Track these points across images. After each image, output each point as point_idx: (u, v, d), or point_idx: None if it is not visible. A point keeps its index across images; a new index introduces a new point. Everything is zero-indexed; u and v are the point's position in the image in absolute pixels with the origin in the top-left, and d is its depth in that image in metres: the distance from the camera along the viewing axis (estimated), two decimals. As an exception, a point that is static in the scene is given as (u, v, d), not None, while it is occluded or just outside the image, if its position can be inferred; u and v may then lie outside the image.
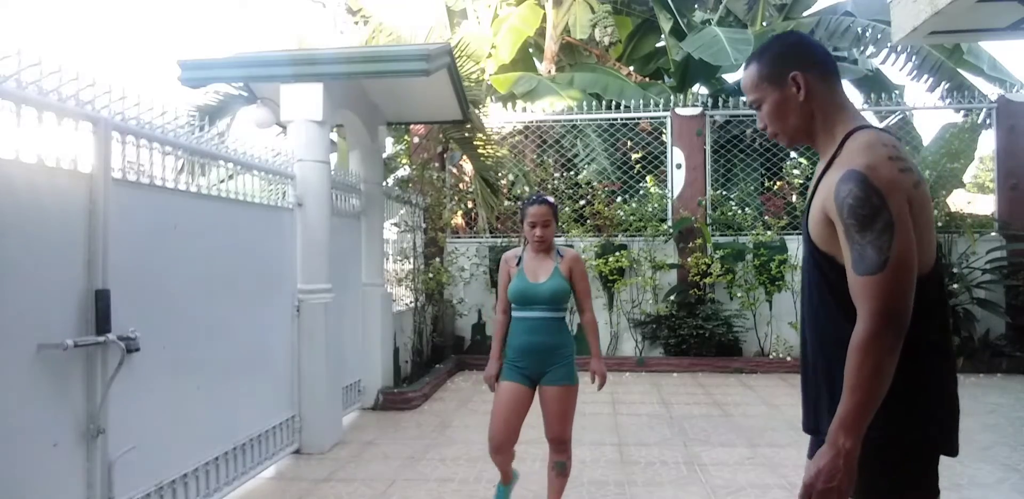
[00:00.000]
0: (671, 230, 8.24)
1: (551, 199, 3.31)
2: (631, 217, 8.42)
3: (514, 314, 3.27)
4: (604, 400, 6.27)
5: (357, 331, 5.97)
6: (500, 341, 3.38)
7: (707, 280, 7.98)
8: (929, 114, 32.68)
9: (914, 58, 9.74)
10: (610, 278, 8.16)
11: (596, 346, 3.34)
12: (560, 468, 3.28)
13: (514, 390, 3.19)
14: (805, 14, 11.68)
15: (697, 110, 8.57)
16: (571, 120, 9.16)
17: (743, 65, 1.74)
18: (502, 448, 3.25)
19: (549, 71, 10.51)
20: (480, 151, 7.96)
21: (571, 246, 8.30)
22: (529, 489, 3.91)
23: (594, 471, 4.27)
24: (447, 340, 8.26)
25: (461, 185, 9.32)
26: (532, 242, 3.26)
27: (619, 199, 9.15)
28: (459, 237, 9.05)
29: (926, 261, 1.47)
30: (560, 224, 8.47)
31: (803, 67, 1.62)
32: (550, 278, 3.21)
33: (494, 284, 8.41)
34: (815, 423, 1.67)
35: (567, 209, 8.63)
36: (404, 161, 9.90)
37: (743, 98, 8.71)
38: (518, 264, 3.31)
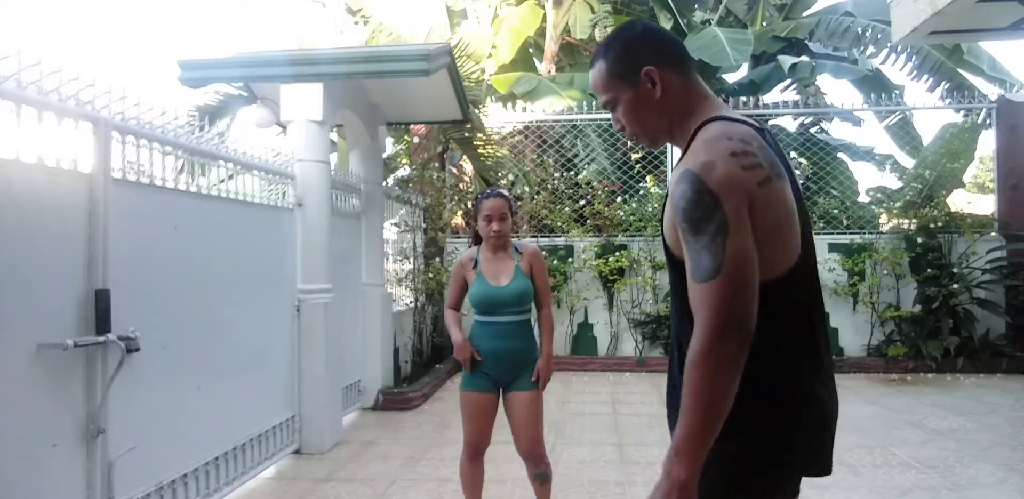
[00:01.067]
0: (671, 230, 8.22)
1: (506, 192, 3.17)
2: (631, 217, 8.42)
3: (479, 318, 3.12)
4: (604, 400, 6.27)
5: (357, 331, 5.97)
6: (457, 323, 3.24)
7: (707, 280, 7.96)
8: (929, 114, 32.71)
9: (914, 58, 9.74)
10: (610, 278, 8.16)
11: (549, 344, 3.14)
12: (542, 478, 3.13)
13: (482, 399, 3.07)
14: (805, 14, 11.68)
15: (697, 110, 8.55)
16: (571, 120, 9.16)
17: (590, 62, 1.61)
18: (481, 450, 3.16)
19: (549, 71, 10.51)
20: (480, 151, 7.96)
21: (569, 246, 8.29)
22: (529, 489, 3.91)
23: (594, 471, 4.27)
24: (447, 340, 8.22)
25: (461, 185, 9.32)
26: (488, 238, 3.09)
27: (619, 199, 9.15)
28: (459, 237, 9.05)
29: (781, 262, 1.35)
30: (560, 224, 8.47)
31: (656, 60, 1.48)
32: (513, 279, 3.05)
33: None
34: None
35: (567, 209, 8.63)
36: (404, 161, 9.90)
37: (743, 98, 8.79)
38: (475, 267, 3.13)
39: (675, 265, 1.43)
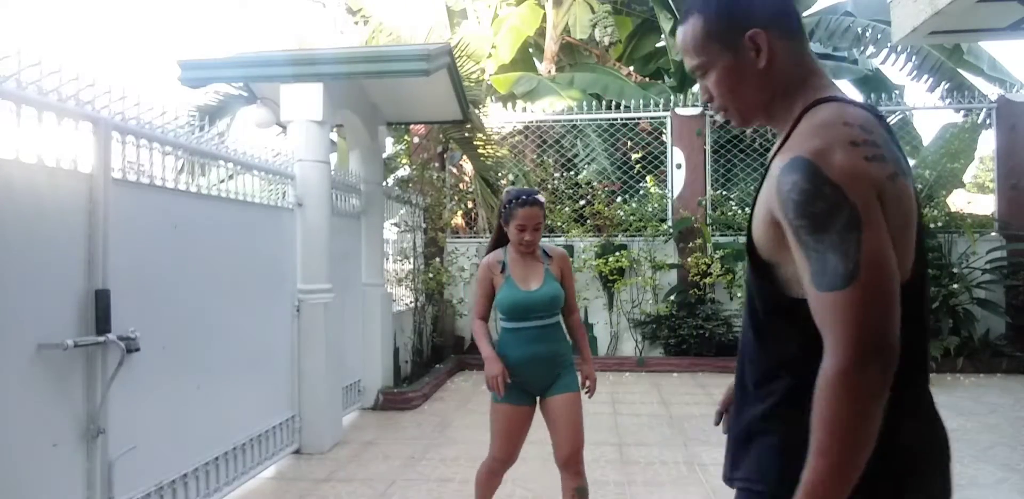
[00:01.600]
0: (671, 230, 8.24)
1: (541, 197, 2.94)
2: (631, 217, 8.42)
3: (507, 325, 2.94)
4: (604, 400, 6.26)
5: (357, 331, 5.96)
6: (488, 339, 2.98)
7: (707, 280, 7.98)
8: (929, 114, 32.72)
9: (914, 58, 9.74)
10: (610, 278, 8.16)
11: (587, 348, 3.07)
12: (582, 494, 2.90)
13: (515, 412, 2.89)
14: (805, 14, 11.68)
15: (697, 110, 8.57)
16: (571, 120, 9.15)
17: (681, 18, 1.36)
18: (507, 466, 3.00)
19: (549, 71, 10.51)
20: (480, 151, 7.96)
21: (569, 246, 8.30)
22: (528, 489, 3.92)
23: (594, 471, 4.26)
24: (447, 340, 8.26)
25: (461, 185, 9.32)
26: (517, 246, 2.93)
27: (619, 199, 9.15)
28: (459, 237, 9.05)
29: (901, 272, 1.13)
30: (560, 224, 8.47)
31: (765, 22, 1.24)
32: (544, 284, 2.92)
33: (494, 284, 8.40)
34: (730, 469, 1.31)
35: (567, 209, 8.63)
36: (404, 161, 9.90)
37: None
38: (503, 270, 2.96)
39: (758, 269, 1.23)
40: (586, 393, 3.00)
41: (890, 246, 1.08)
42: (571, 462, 2.87)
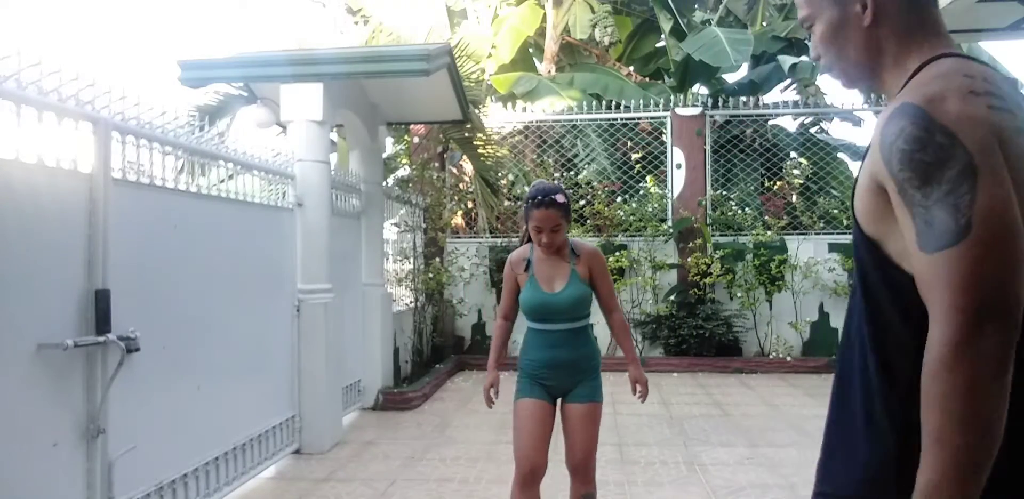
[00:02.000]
0: (671, 230, 8.24)
1: (560, 198, 2.71)
2: (631, 217, 8.42)
3: (532, 325, 2.82)
4: (604, 400, 6.25)
5: (357, 331, 5.96)
6: (499, 349, 2.95)
7: (707, 280, 7.98)
8: (929, 114, 32.59)
9: (914, 58, 9.73)
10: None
11: (632, 350, 2.89)
12: None
13: (538, 408, 2.74)
14: (805, 14, 11.67)
15: (697, 110, 8.57)
16: (571, 120, 9.16)
17: None
18: (537, 474, 2.72)
19: (549, 71, 10.51)
20: (480, 151, 7.96)
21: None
22: (529, 489, 3.91)
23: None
24: (447, 340, 8.26)
25: (461, 185, 9.32)
26: (539, 246, 2.78)
27: (619, 199, 9.16)
28: (459, 237, 9.05)
29: None
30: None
31: None
32: (568, 285, 2.75)
33: (494, 284, 8.42)
34: (820, 483, 1.15)
35: (567, 209, 8.61)
36: (404, 161, 9.90)
37: (743, 98, 8.80)
38: (527, 269, 2.82)
39: (868, 248, 1.08)
40: (637, 397, 2.86)
41: (1013, 200, 0.92)
42: (580, 468, 2.78)
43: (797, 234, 8.21)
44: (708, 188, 8.51)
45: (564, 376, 2.77)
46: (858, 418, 1.07)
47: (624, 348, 2.90)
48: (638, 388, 2.85)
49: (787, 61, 10.27)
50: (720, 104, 8.64)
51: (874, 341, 1.06)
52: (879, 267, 1.05)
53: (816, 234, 8.25)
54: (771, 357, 7.95)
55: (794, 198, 8.97)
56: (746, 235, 8.22)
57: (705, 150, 8.53)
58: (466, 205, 9.35)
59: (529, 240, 2.86)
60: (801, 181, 8.81)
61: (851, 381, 1.11)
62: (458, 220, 9.39)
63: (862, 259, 1.10)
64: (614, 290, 2.95)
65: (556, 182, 9.01)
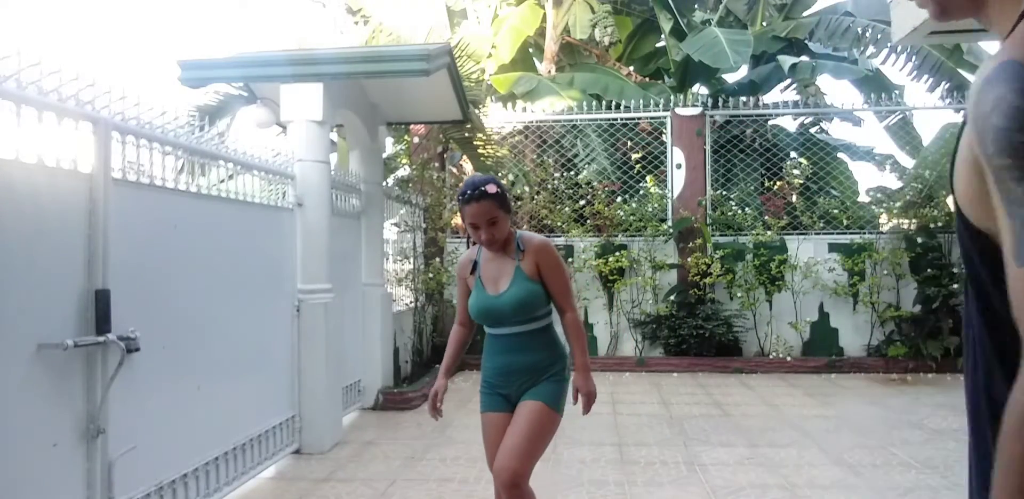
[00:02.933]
0: (671, 230, 8.24)
1: (492, 188, 2.46)
2: (631, 217, 8.42)
3: (486, 329, 2.64)
4: (604, 400, 6.26)
5: (357, 331, 5.96)
6: (451, 356, 2.78)
7: (707, 280, 7.98)
8: (929, 114, 32.70)
9: (914, 58, 9.75)
10: (610, 278, 8.16)
11: (581, 355, 2.55)
12: None
13: (501, 419, 2.54)
14: (805, 14, 11.69)
15: (697, 110, 8.57)
16: (571, 120, 9.16)
17: None
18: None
19: (549, 71, 10.51)
20: (480, 151, 7.97)
21: (569, 246, 8.28)
22: (529, 489, 3.91)
23: (594, 471, 4.27)
24: (447, 340, 8.24)
25: (461, 185, 9.31)
26: (481, 244, 2.55)
27: (619, 199, 9.16)
28: (459, 237, 9.04)
29: None
30: (560, 224, 8.46)
31: None
32: (511, 285, 2.49)
33: (494, 284, 8.41)
34: None
35: (567, 209, 8.62)
36: (404, 161, 9.91)
37: (743, 98, 8.80)
38: (473, 271, 2.60)
39: (974, 240, 0.86)
40: (576, 406, 2.56)
41: None
42: (501, 475, 2.38)
43: (797, 234, 8.21)
44: (708, 188, 8.51)
45: (520, 382, 2.52)
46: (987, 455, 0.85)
47: (576, 352, 2.56)
48: (580, 398, 2.53)
49: (787, 61, 10.27)
50: (720, 104, 8.64)
51: (996, 357, 0.83)
52: (989, 264, 0.82)
53: (816, 234, 8.25)
54: (771, 357, 7.95)
55: (794, 198, 8.97)
56: (746, 235, 8.22)
57: (705, 150, 8.53)
58: (466, 205, 9.33)
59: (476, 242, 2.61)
60: (801, 181, 8.81)
61: (978, 406, 0.89)
62: (458, 220, 9.39)
63: (969, 254, 0.87)
64: (568, 287, 2.60)
65: (555, 182, 9.06)
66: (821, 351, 8.01)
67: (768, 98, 10.31)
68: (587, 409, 2.55)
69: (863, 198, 9.50)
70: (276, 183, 4.67)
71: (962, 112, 0.80)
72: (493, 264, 2.58)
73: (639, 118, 8.83)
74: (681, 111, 8.56)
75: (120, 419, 2.88)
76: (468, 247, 2.75)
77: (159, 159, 3.30)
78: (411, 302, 7.39)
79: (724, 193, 9.07)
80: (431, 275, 7.68)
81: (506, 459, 2.39)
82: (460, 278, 2.71)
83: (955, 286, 7.65)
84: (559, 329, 2.64)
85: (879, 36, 9.28)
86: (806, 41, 10.90)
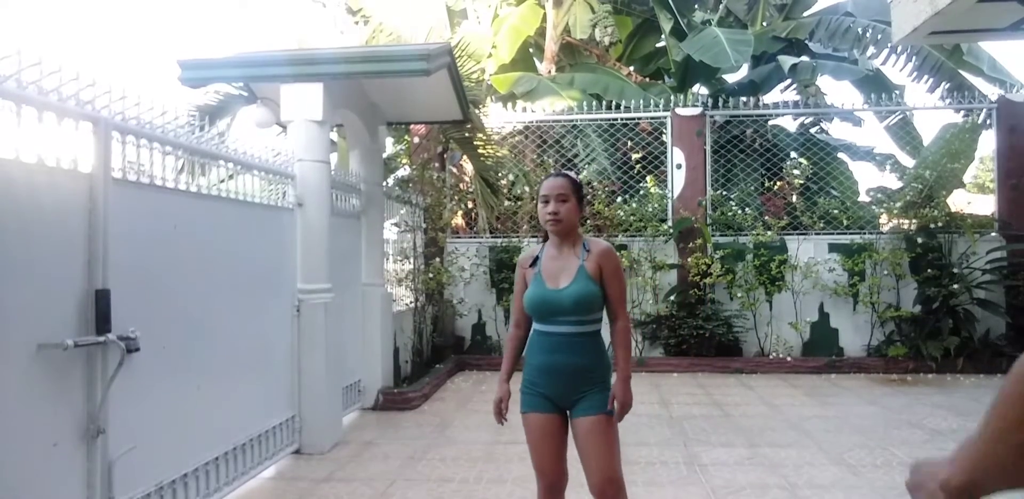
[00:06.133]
0: (671, 230, 8.24)
1: (572, 173, 2.68)
2: (631, 217, 8.41)
3: (535, 326, 2.63)
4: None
5: (357, 331, 5.96)
6: (510, 360, 2.75)
7: (707, 280, 7.98)
8: (929, 114, 32.72)
9: (914, 58, 9.75)
10: (610, 278, 8.14)
11: (625, 363, 2.58)
12: None
13: (546, 421, 2.56)
14: (805, 14, 11.69)
15: (697, 110, 8.57)
16: (571, 120, 9.16)
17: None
18: (556, 488, 2.58)
19: (549, 71, 10.51)
20: (480, 151, 7.96)
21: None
22: (528, 489, 3.91)
23: (594, 471, 4.26)
24: (447, 340, 8.26)
25: (461, 185, 9.32)
26: (545, 222, 2.60)
27: (619, 199, 9.15)
28: (459, 237, 9.05)
29: None
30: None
31: None
32: (573, 281, 2.54)
33: (494, 284, 8.42)
34: None
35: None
36: (404, 161, 9.91)
37: (743, 98, 8.80)
38: (534, 265, 2.65)
39: None
40: (608, 409, 2.55)
41: None
42: (605, 492, 2.48)
43: (797, 234, 8.21)
44: (708, 188, 8.51)
45: (563, 386, 2.55)
46: None
47: (620, 360, 2.60)
48: (616, 405, 2.52)
49: (787, 61, 10.27)
50: (720, 104, 8.64)
51: None
52: None
53: (816, 234, 8.25)
54: (771, 357, 7.95)
55: (794, 198, 8.97)
56: (746, 235, 8.22)
57: (705, 150, 8.53)
58: (466, 205, 9.35)
59: (546, 239, 2.71)
60: (801, 181, 8.81)
61: None
62: (458, 220, 9.39)
63: None
64: (625, 294, 2.67)
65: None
66: (821, 351, 8.01)
67: (768, 98, 10.31)
68: (620, 418, 2.56)
69: (863, 198, 9.50)
70: (276, 183, 4.67)
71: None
72: (556, 262, 2.63)
73: (639, 118, 8.83)
74: (681, 111, 8.56)
75: (120, 419, 2.88)
76: (537, 243, 2.83)
77: (159, 159, 3.30)
78: (411, 302, 7.39)
79: (724, 193, 9.07)
80: (431, 275, 7.68)
81: (603, 474, 2.48)
82: (520, 277, 2.73)
83: (955, 286, 7.65)
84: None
85: (879, 36, 9.28)
86: (806, 41, 10.90)
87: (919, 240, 7.93)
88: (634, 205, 8.64)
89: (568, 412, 2.59)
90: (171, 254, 3.34)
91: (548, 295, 2.55)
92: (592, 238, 2.71)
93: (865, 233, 8.28)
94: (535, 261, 2.66)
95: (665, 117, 8.64)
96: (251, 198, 4.22)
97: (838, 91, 43.94)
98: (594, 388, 2.54)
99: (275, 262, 4.53)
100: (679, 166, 8.48)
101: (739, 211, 8.66)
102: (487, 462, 4.46)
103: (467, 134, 7.77)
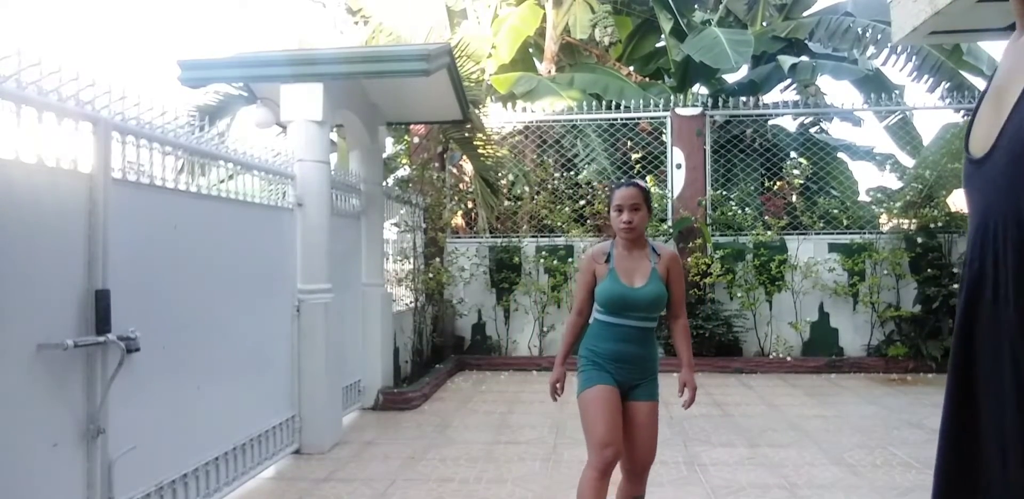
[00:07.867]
0: (671, 230, 8.24)
1: (641, 182, 2.89)
2: (631, 217, 8.39)
3: (600, 317, 2.85)
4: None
5: (357, 331, 5.96)
6: (568, 345, 2.97)
7: (707, 280, 7.98)
8: (929, 114, 32.70)
9: (914, 58, 9.74)
10: (610, 278, 8.15)
11: (688, 353, 2.92)
12: None
13: (611, 393, 2.75)
14: (805, 14, 11.69)
15: (697, 110, 8.57)
16: (571, 120, 9.15)
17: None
18: (615, 460, 2.70)
19: (549, 71, 10.51)
20: (480, 151, 7.96)
21: (569, 246, 8.29)
22: (529, 489, 3.92)
23: (594, 471, 4.26)
24: (447, 340, 8.26)
25: (461, 185, 9.32)
26: (619, 230, 2.84)
27: (619, 199, 9.14)
28: (459, 237, 9.04)
29: None
30: (560, 224, 8.46)
31: None
32: (649, 282, 2.79)
33: (494, 284, 8.42)
34: None
35: (567, 209, 8.62)
36: (404, 161, 9.91)
37: (743, 98, 8.81)
38: (607, 261, 2.86)
39: None
40: (682, 399, 2.90)
41: None
42: (641, 470, 2.83)
43: (797, 234, 8.21)
44: (708, 188, 8.51)
45: (627, 372, 2.80)
46: None
47: (682, 351, 2.94)
48: (687, 391, 2.88)
49: (787, 61, 10.27)
50: (720, 104, 8.64)
51: None
52: None
53: (816, 234, 8.25)
54: (771, 357, 7.95)
55: (794, 198, 8.97)
56: (746, 235, 8.22)
57: (705, 150, 8.53)
58: (466, 205, 9.34)
59: (613, 236, 2.95)
60: (801, 181, 8.81)
61: None
62: (458, 220, 9.39)
63: None
64: (684, 296, 2.97)
65: (555, 182, 9.06)
66: (821, 351, 8.01)
67: (768, 98, 10.31)
68: (691, 402, 2.89)
69: (863, 198, 9.50)
70: (276, 183, 4.67)
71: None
72: (628, 262, 2.85)
73: (639, 118, 8.83)
74: (681, 111, 8.55)
75: (120, 419, 2.88)
76: (602, 239, 3.04)
77: (159, 159, 3.30)
78: (411, 302, 7.39)
79: (724, 193, 9.07)
80: (431, 275, 7.68)
81: (650, 455, 2.83)
82: (587, 269, 2.92)
83: (955, 286, 7.64)
84: None
85: (879, 36, 9.28)
86: (806, 41, 10.90)
87: (919, 240, 7.93)
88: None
89: (625, 395, 2.82)
90: (171, 254, 3.34)
91: (627, 292, 2.77)
92: (659, 243, 3.00)
93: (865, 233, 8.28)
94: (609, 258, 2.87)
95: (665, 117, 8.64)
96: (251, 198, 4.22)
97: (838, 91, 43.90)
98: (649, 377, 2.84)
99: (275, 262, 4.53)
100: (679, 166, 8.48)
101: (739, 211, 8.67)
102: (487, 462, 4.46)
103: (467, 134, 7.77)
